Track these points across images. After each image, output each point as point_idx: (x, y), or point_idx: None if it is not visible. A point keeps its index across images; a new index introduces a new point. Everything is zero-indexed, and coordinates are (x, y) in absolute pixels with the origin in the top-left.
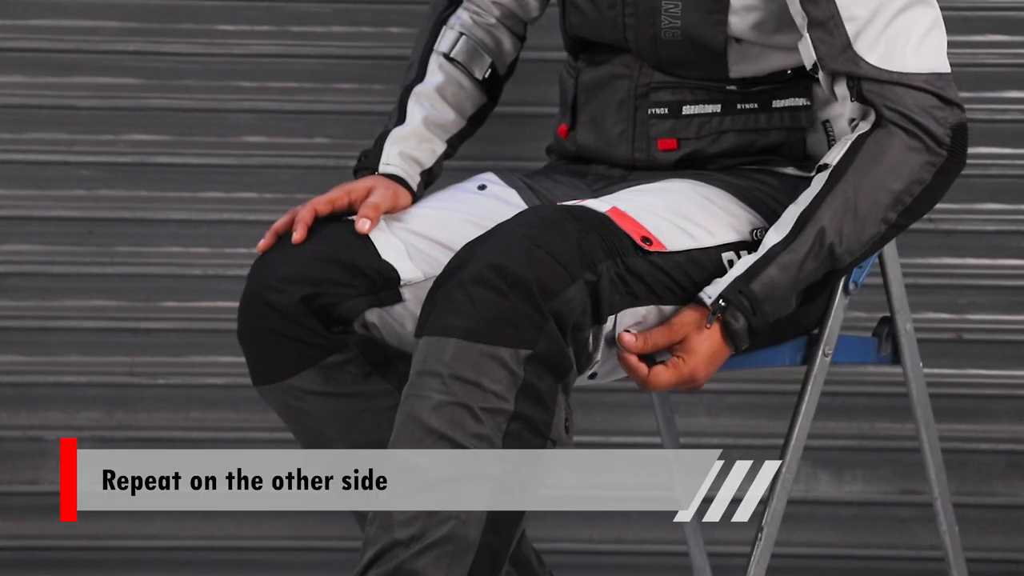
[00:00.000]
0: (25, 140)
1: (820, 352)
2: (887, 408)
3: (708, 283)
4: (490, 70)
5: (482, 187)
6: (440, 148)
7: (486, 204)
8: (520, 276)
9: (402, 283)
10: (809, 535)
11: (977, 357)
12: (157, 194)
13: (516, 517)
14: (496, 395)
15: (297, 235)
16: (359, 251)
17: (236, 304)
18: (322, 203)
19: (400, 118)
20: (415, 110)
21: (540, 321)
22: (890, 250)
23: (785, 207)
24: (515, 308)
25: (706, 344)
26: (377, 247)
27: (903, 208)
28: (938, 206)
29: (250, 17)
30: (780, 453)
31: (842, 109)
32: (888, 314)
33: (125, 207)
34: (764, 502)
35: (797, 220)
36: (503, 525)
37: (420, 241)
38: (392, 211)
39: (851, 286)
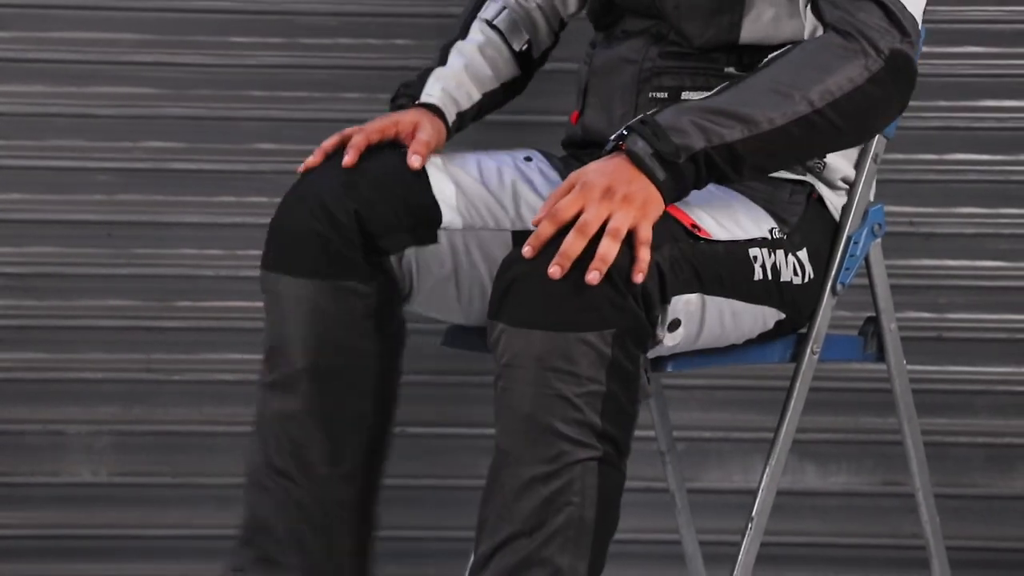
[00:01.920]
0: (46, 147)
1: (808, 350)
2: (871, 403)
3: (740, 277)
4: (527, 45)
5: (528, 159)
6: (476, 96)
7: (534, 178)
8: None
9: (442, 226)
10: (796, 524)
11: (956, 354)
12: (172, 198)
13: (620, 487)
14: (589, 379)
15: (349, 158)
16: (413, 184)
17: (247, 304)
18: (374, 131)
19: (442, 61)
20: (456, 58)
21: (620, 300)
22: (875, 253)
23: (787, 209)
24: (595, 291)
25: (597, 164)
26: (431, 182)
27: (831, 99)
28: (918, 210)
29: (261, 29)
30: (769, 446)
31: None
32: (873, 314)
33: (142, 211)
34: (756, 491)
35: (720, 87)
36: (611, 499)
37: (473, 185)
38: (437, 147)
39: (839, 287)
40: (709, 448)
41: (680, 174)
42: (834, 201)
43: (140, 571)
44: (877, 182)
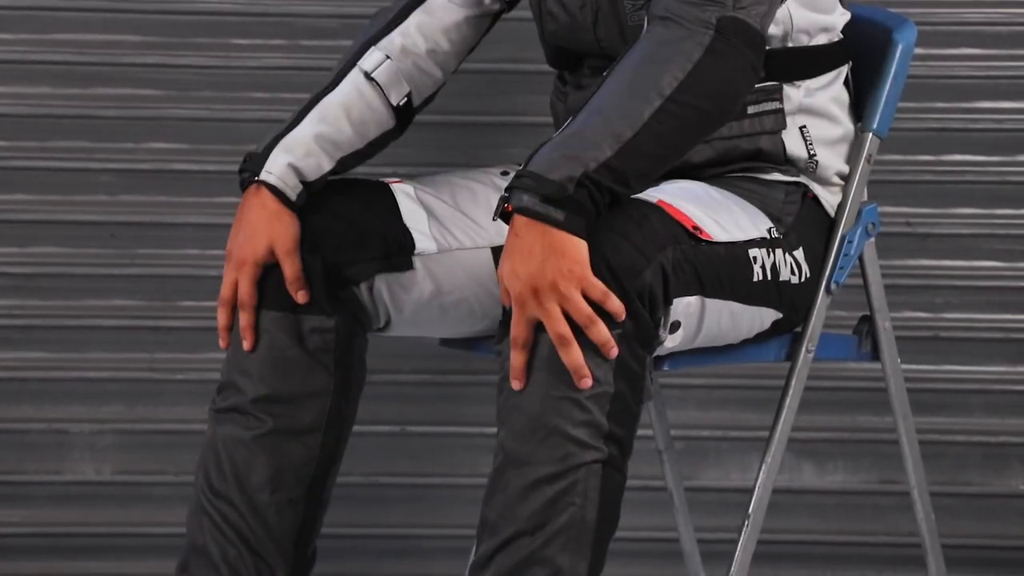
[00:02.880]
0: (50, 148)
1: (804, 349)
2: (867, 402)
3: (739, 279)
4: (405, 99)
5: (505, 173)
6: (327, 166)
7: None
8: (601, 262)
9: (416, 252)
10: (793, 522)
11: (952, 354)
12: (175, 199)
13: (621, 488)
14: (598, 380)
15: (247, 344)
16: (381, 214)
17: None
18: (248, 292)
19: (296, 122)
20: (310, 125)
21: (626, 302)
22: (870, 253)
23: (782, 209)
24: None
25: (505, 258)
26: (401, 211)
27: (677, 83)
28: (914, 211)
29: (263, 32)
30: (766, 444)
31: None
32: (868, 313)
33: (145, 212)
34: (752, 489)
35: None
36: (613, 500)
37: (445, 209)
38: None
39: (833, 286)
40: (707, 447)
41: (577, 204)
42: (829, 199)
43: (143, 569)
44: (874, 183)
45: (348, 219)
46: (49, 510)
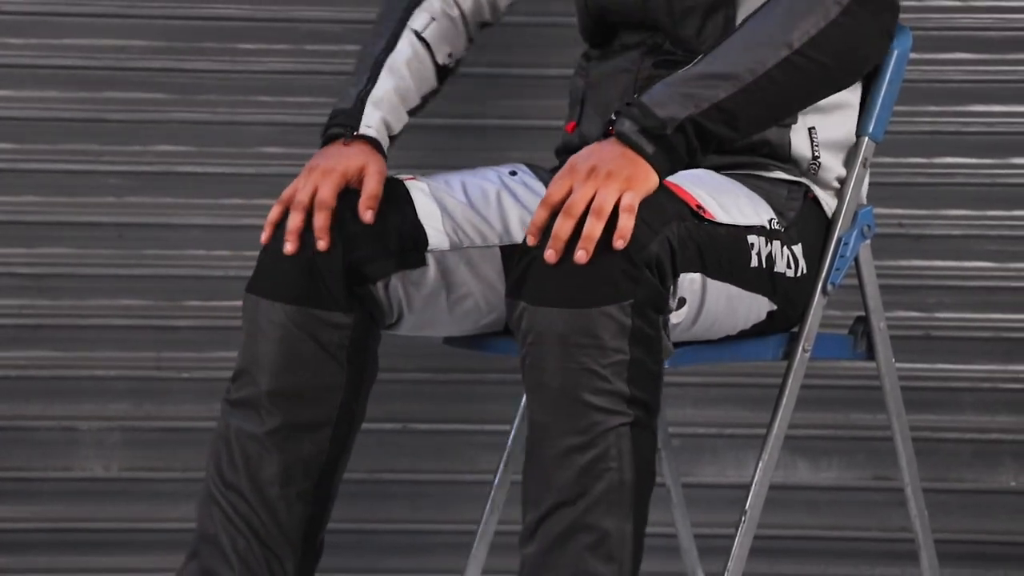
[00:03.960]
0: (59, 150)
1: (800, 348)
2: (861, 400)
3: (737, 263)
4: (449, 58)
5: (513, 173)
6: (405, 119)
7: (519, 191)
8: (610, 237)
9: (429, 248)
10: (788, 518)
11: (944, 353)
12: (181, 201)
13: (654, 446)
14: (614, 350)
15: (323, 244)
16: (397, 209)
17: None
18: (328, 195)
19: (373, 79)
20: (388, 79)
21: (635, 272)
22: (865, 254)
23: (785, 205)
24: (611, 265)
25: (588, 148)
26: (416, 207)
27: (808, 38)
28: (908, 212)
29: (268, 36)
30: (762, 441)
31: None
32: (863, 313)
33: (152, 213)
34: (749, 485)
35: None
36: (647, 458)
37: (458, 206)
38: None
39: (829, 287)
40: (704, 444)
41: (670, 145)
42: (828, 202)
43: (150, 564)
44: (869, 185)
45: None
46: (58, 506)
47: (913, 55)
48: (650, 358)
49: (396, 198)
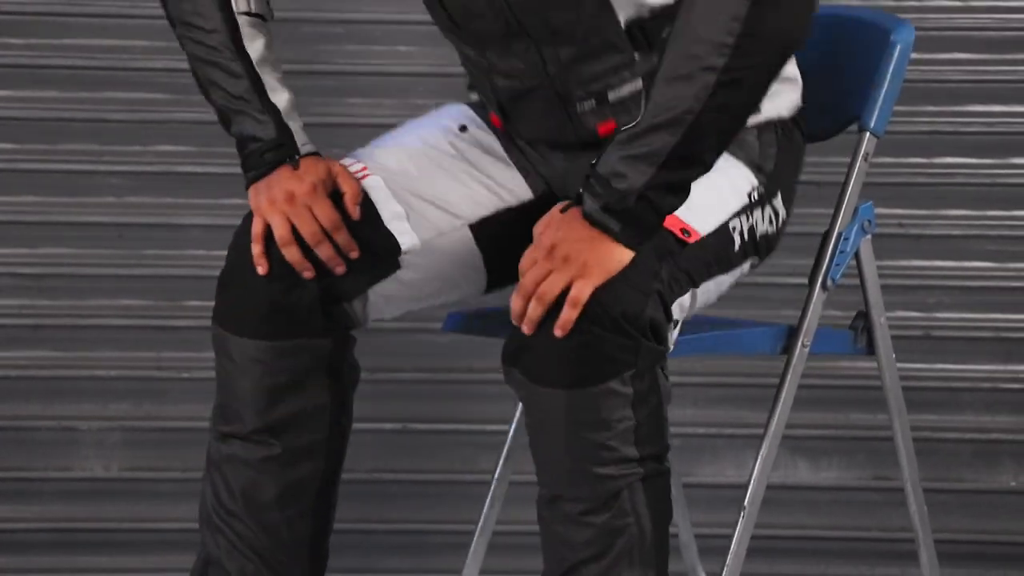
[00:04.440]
0: (59, 151)
1: (799, 343)
2: (861, 400)
3: (723, 256)
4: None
5: (463, 128)
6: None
7: (473, 156)
8: (604, 314)
9: (402, 253)
10: (788, 518)
11: (944, 352)
12: (182, 201)
13: (667, 484)
14: (618, 420)
15: (340, 270)
16: (363, 222)
17: None
18: (333, 214)
19: (264, 93)
20: (269, 78)
21: (634, 345)
22: (866, 250)
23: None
24: (608, 343)
25: (556, 221)
26: (380, 214)
27: (730, 50)
28: (908, 212)
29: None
30: (762, 435)
31: None
32: (864, 309)
33: (152, 213)
34: (747, 482)
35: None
36: (663, 500)
37: (417, 202)
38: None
39: (829, 282)
40: (703, 444)
41: (635, 218)
42: (793, 98)
43: (150, 564)
44: (867, 185)
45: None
46: (58, 506)
47: (913, 55)
48: (655, 412)
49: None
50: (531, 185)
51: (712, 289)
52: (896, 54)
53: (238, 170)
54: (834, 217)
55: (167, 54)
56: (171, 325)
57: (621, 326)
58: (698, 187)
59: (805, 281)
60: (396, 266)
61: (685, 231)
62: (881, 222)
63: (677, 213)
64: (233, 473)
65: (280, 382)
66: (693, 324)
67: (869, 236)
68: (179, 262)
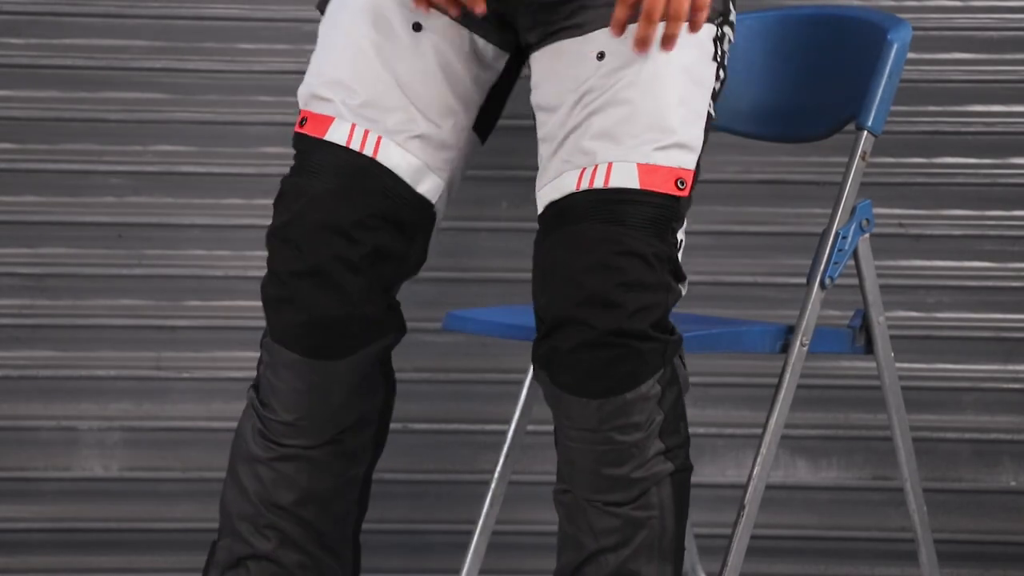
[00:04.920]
0: (59, 151)
1: (798, 342)
2: (861, 400)
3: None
4: None
5: (417, 27)
6: None
7: (433, 67)
8: (628, 328)
9: (434, 208)
10: (788, 518)
11: (944, 352)
12: (182, 201)
13: (689, 479)
14: (648, 421)
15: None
16: (395, 197)
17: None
18: None
19: None
20: None
21: (660, 346)
22: (864, 248)
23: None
24: (636, 351)
25: None
26: (407, 180)
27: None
28: (908, 212)
29: (268, 36)
30: (760, 433)
31: None
32: (862, 308)
33: (152, 213)
34: (747, 481)
35: None
36: (685, 495)
37: (422, 141)
38: None
39: (827, 281)
40: (703, 444)
41: None
42: None
43: (150, 563)
44: (866, 185)
45: (384, 234)
46: (58, 506)
47: (912, 55)
48: (675, 401)
49: (388, 186)
50: (497, 41)
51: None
52: (893, 52)
53: (238, 170)
54: (832, 215)
55: (167, 54)
56: (171, 325)
57: (645, 332)
58: (684, 107)
59: (804, 281)
60: (433, 216)
61: (680, 181)
62: (881, 222)
63: (671, 164)
64: (291, 471)
65: (344, 394)
66: (693, 322)
67: (867, 234)
68: (179, 262)
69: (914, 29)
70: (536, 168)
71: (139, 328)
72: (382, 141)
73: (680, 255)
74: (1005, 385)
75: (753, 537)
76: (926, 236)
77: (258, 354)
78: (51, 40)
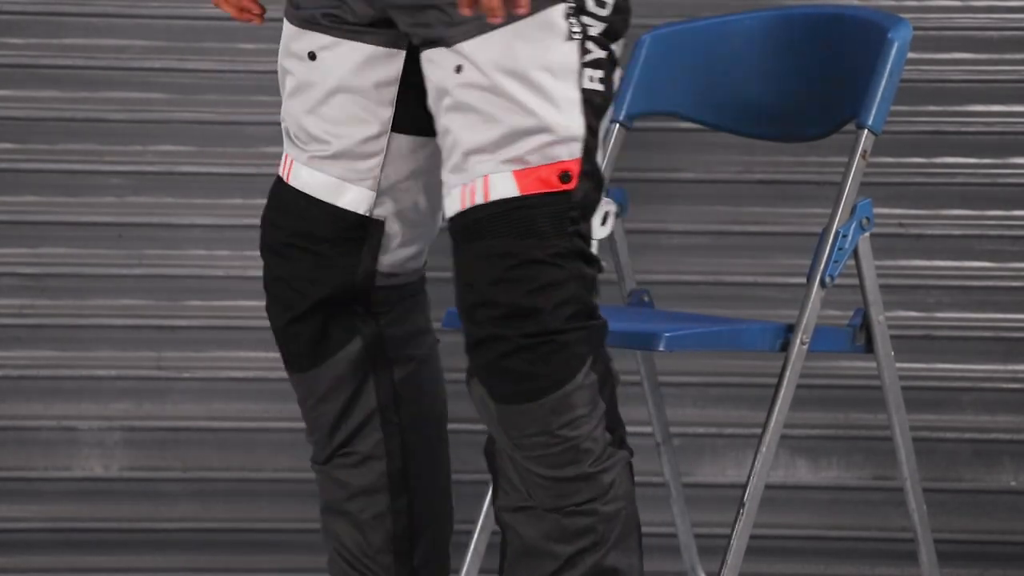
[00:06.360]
0: (59, 150)
1: (798, 340)
2: (861, 400)
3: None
4: None
5: (312, 56)
6: None
7: (332, 85)
8: (550, 327)
9: (368, 214)
10: (788, 518)
11: (944, 352)
12: (182, 201)
13: (631, 474)
14: (591, 411)
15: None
16: (309, 216)
17: (255, 303)
18: None
19: None
20: None
21: (585, 334)
22: (864, 247)
23: None
24: (561, 344)
25: None
26: (322, 197)
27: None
28: (908, 212)
29: (268, 36)
30: (760, 432)
31: None
32: (862, 307)
33: (152, 213)
34: (747, 480)
35: None
36: (633, 483)
37: (333, 161)
38: None
39: (827, 279)
40: (704, 444)
41: None
42: None
43: (150, 563)
44: (867, 185)
45: (310, 252)
46: (59, 505)
47: (913, 55)
48: (612, 391)
49: (297, 211)
50: (385, 42)
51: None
52: (894, 51)
53: (237, 170)
54: (832, 214)
55: (167, 54)
56: (171, 325)
57: (571, 326)
58: (533, 68)
59: (803, 281)
60: (377, 222)
61: (565, 175)
62: (881, 222)
63: (544, 159)
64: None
65: (315, 400)
66: (693, 321)
67: (867, 233)
68: (180, 262)
69: (914, 29)
70: None
71: (139, 328)
72: (293, 165)
73: (605, 230)
74: (1005, 385)
75: (753, 537)
76: (926, 236)
77: (258, 353)
78: (51, 40)
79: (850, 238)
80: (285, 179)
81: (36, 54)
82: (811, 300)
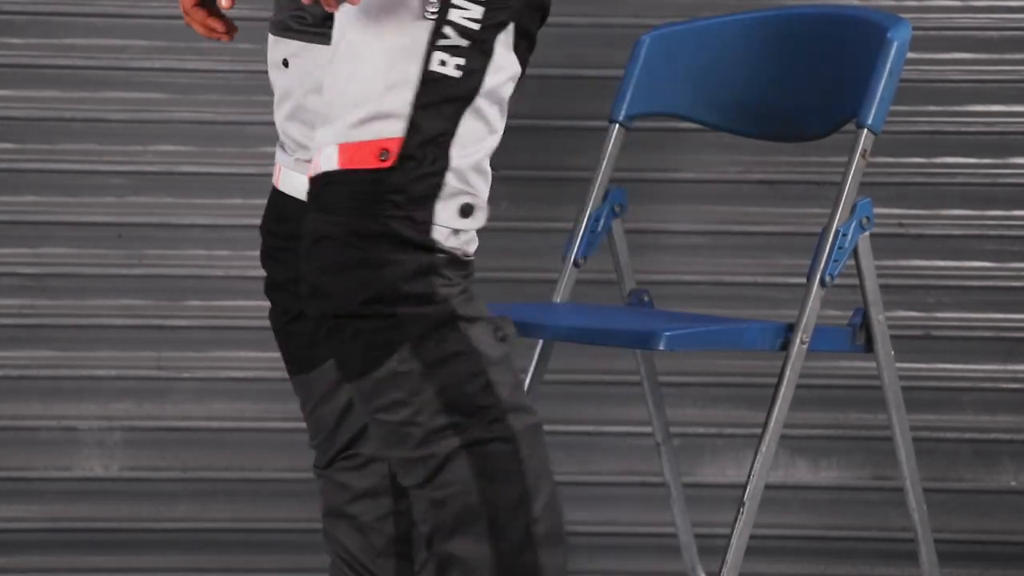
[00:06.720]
0: (59, 151)
1: (798, 340)
2: (861, 400)
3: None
4: None
5: (285, 63)
6: None
7: (307, 87)
8: (342, 311)
9: None
10: (788, 518)
11: (944, 352)
12: (182, 201)
13: (505, 454)
14: (410, 398)
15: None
16: (296, 219)
17: (255, 303)
18: None
19: None
20: None
21: (392, 322)
22: (864, 246)
23: None
24: (359, 330)
25: None
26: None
27: None
28: (908, 212)
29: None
30: (760, 432)
31: None
32: (862, 307)
33: (152, 213)
34: (747, 479)
35: None
36: (496, 471)
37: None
38: None
39: (827, 279)
40: (704, 444)
41: None
42: None
43: (150, 563)
44: (866, 185)
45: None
46: (59, 506)
47: (913, 55)
48: (463, 375)
49: (286, 216)
50: None
51: (469, 134)
52: (894, 51)
53: (238, 170)
54: (832, 213)
55: (167, 54)
56: (171, 325)
57: (365, 312)
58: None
59: (803, 281)
60: None
61: (384, 153)
62: (881, 222)
63: (371, 137)
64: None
65: (314, 404)
66: (693, 320)
67: (867, 233)
68: (180, 262)
69: (914, 29)
70: (536, 168)
71: (139, 328)
72: (282, 171)
73: (469, 223)
74: (1005, 385)
75: (753, 537)
76: (925, 236)
77: (258, 353)
78: (51, 40)
79: (850, 237)
80: (276, 186)
81: (36, 54)
82: (811, 300)
